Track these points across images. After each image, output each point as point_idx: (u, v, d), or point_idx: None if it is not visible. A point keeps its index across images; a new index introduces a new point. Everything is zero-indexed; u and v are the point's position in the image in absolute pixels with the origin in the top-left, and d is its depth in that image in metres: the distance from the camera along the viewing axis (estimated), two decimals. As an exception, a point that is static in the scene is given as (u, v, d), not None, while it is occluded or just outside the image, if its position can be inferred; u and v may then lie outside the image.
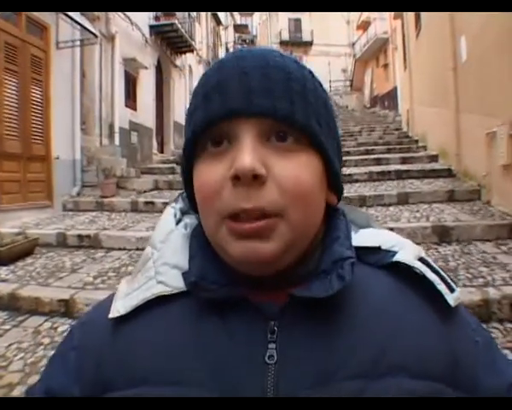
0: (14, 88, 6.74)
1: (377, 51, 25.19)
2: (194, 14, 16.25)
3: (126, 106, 11.12)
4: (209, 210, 0.51)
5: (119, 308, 0.55)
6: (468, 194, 6.54)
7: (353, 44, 31.24)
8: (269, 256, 0.48)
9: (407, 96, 13.17)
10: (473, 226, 4.87)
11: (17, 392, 2.44)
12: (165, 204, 7.22)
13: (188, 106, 0.57)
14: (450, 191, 6.60)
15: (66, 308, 3.50)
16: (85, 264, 4.64)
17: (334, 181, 0.56)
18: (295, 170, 0.49)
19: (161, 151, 14.19)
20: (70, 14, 7.40)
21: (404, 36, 13.49)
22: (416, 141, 11.66)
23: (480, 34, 6.17)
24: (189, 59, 16.98)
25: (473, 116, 6.61)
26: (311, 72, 0.55)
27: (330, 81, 30.61)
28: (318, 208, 0.54)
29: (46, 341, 3.06)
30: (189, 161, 0.55)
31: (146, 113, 12.44)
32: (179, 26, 13.35)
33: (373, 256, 0.58)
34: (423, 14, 10.25)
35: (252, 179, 0.47)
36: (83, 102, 8.89)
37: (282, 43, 34.12)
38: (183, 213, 0.63)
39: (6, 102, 6.54)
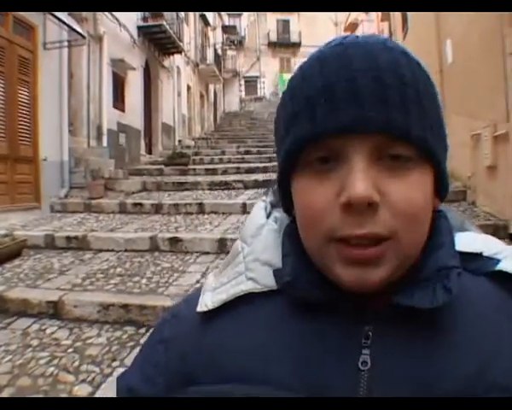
0: (0, 89, 6.69)
1: (365, 53, 25.39)
2: (182, 15, 16.26)
3: (114, 107, 11.09)
4: (313, 233, 0.48)
5: (207, 302, 0.54)
6: (454, 195, 6.61)
7: (341, 46, 31.47)
8: (377, 283, 0.46)
9: (394, 98, 13.24)
10: (458, 226, 4.93)
11: (5, 394, 2.44)
12: (154, 205, 7.28)
13: (282, 104, 0.52)
14: (436, 192, 6.66)
15: (54, 310, 3.49)
16: (74, 265, 4.63)
17: (441, 185, 0.53)
18: (408, 192, 0.45)
19: (149, 152, 14.15)
20: (57, 14, 7.36)
21: (391, 38, 13.57)
22: (404, 142, 11.71)
23: (464, 37, 6.26)
24: (177, 60, 16.95)
25: (458, 118, 6.69)
26: (418, 63, 0.49)
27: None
28: (427, 223, 0.50)
29: (35, 343, 3.05)
30: (287, 169, 0.51)
31: (134, 114, 12.40)
32: (167, 27, 13.35)
33: (473, 263, 0.53)
34: (410, 17, 10.34)
35: (366, 207, 0.44)
36: (70, 104, 8.85)
37: (270, 44, 34.20)
38: (273, 206, 0.62)
39: (-8, 103, 6.49)
